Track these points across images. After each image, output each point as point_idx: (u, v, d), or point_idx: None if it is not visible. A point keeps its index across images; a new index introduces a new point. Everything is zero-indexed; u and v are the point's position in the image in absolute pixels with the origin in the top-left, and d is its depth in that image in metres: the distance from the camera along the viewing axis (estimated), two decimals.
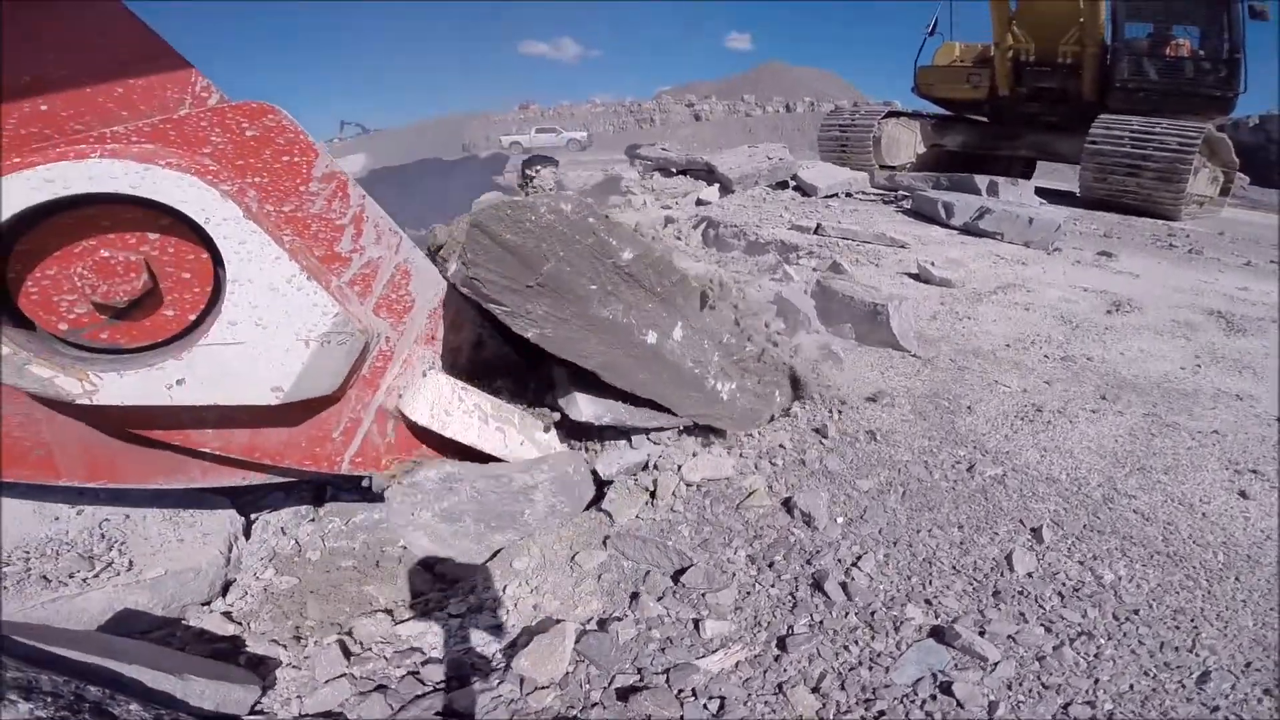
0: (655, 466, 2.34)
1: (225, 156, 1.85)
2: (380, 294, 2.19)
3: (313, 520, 2.88)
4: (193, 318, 1.91)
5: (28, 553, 2.31)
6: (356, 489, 2.82)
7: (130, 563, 2.37)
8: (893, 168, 12.06)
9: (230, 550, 2.59)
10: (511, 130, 40.10)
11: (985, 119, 13.21)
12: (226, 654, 2.09)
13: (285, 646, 2.18)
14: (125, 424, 2.07)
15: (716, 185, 10.22)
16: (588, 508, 2.28)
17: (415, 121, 50.99)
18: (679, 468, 2.29)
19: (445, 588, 2.11)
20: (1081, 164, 10.23)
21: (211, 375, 1.89)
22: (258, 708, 1.80)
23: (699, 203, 9.07)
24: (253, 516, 2.84)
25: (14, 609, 2.08)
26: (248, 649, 2.18)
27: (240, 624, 2.35)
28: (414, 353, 2.31)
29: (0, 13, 1.62)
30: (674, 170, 12.81)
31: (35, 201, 1.65)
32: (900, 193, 9.05)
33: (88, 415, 2.01)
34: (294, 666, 1.93)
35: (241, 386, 1.93)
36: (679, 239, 6.47)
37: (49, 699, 1.37)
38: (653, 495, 2.22)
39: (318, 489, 3.06)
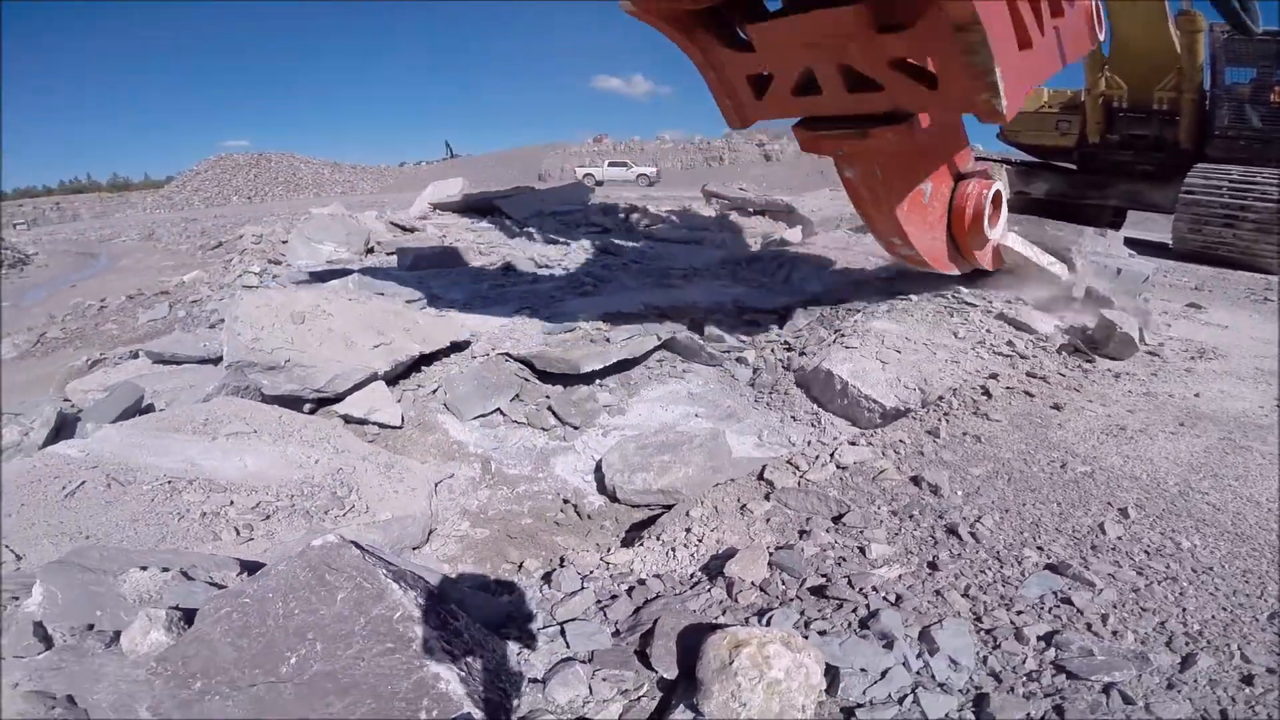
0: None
1: None
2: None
3: (487, 487, 3.61)
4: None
5: (291, 492, 3.06)
6: None
7: (367, 506, 3.09)
8: None
9: (431, 504, 3.31)
10: (585, 162, 42.01)
11: (1074, 166, 13.54)
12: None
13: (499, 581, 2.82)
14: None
15: (799, 226, 10.85)
16: None
17: (494, 150, 54.24)
18: (831, 454, 2.95)
19: (626, 535, 2.77)
20: (1175, 214, 10.49)
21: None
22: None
23: (783, 242, 9.68)
24: (437, 482, 3.57)
25: (289, 539, 2.74)
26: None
27: (449, 564, 3.04)
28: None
29: None
30: (751, 210, 13.55)
31: None
32: None
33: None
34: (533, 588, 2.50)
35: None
36: None
37: (420, 590, 1.91)
38: (803, 473, 2.86)
39: (483, 463, 3.79)
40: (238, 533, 2.70)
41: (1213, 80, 11.53)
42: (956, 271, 4.75)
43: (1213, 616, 2.12)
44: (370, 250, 9.35)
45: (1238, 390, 4.34)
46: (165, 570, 2.14)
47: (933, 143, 3.31)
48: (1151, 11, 10.67)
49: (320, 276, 7.55)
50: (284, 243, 9.89)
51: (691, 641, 1.81)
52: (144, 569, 2.12)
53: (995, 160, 13.74)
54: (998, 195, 3.96)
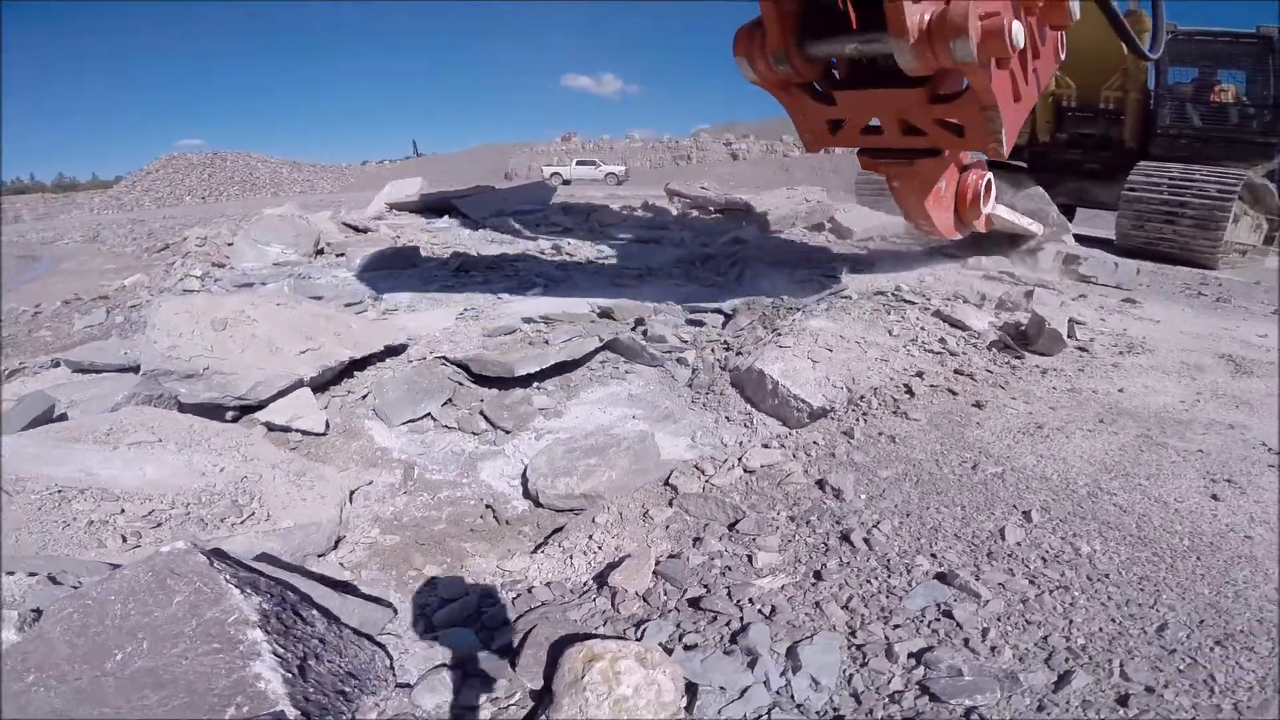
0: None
1: None
2: None
3: (405, 493, 3.51)
4: None
5: (187, 501, 2.96)
6: None
7: (268, 514, 3.00)
8: None
9: (341, 512, 3.22)
10: (553, 161, 41.79)
11: (1024, 165, 13.73)
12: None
13: (395, 589, 2.77)
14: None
15: (755, 225, 10.85)
16: None
17: (461, 148, 53.83)
18: (739, 458, 2.89)
19: (540, 541, 2.70)
20: (1119, 211, 10.69)
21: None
22: (388, 629, 2.37)
23: (737, 241, 9.69)
24: (353, 489, 3.46)
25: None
26: (361, 592, 2.76)
27: (351, 571, 2.96)
28: None
29: None
30: (712, 209, 13.53)
31: None
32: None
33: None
34: (405, 598, 2.50)
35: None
36: None
37: (268, 595, 1.94)
38: (709, 478, 2.81)
39: (406, 470, 3.69)
40: (124, 540, 2.59)
41: (1156, 80, 11.75)
42: (959, 236, 5.96)
43: (1100, 629, 2.09)
44: (320, 252, 9.14)
45: (1162, 385, 4.39)
46: (33, 575, 2.10)
47: (952, 160, 4.84)
48: (1099, 13, 10.84)
49: (264, 281, 7.36)
50: (229, 245, 9.62)
51: (561, 652, 1.75)
52: (11, 574, 2.08)
53: None
54: (989, 182, 5.30)
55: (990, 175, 5.46)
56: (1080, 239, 10.22)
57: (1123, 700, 1.79)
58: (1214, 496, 2.93)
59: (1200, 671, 1.91)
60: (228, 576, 1.85)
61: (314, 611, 2.01)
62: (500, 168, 43.12)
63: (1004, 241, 7.48)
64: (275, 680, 1.61)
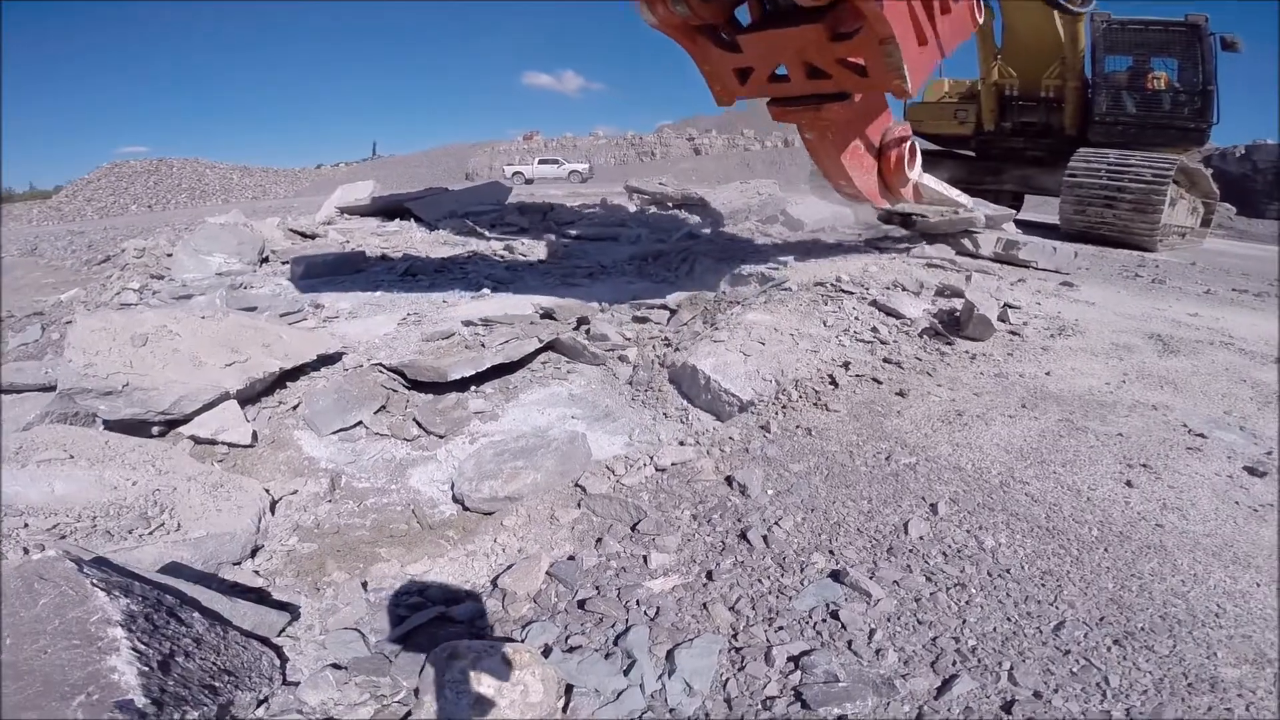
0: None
1: None
2: None
3: (330, 501, 3.44)
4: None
5: (94, 514, 2.89)
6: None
7: (179, 524, 2.94)
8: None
9: (260, 521, 3.16)
10: (515, 160, 41.28)
11: (973, 154, 13.94)
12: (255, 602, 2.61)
13: (306, 595, 2.71)
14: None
15: (710, 220, 10.87)
16: None
17: (420, 149, 52.99)
18: (651, 456, 2.86)
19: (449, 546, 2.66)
20: (1061, 197, 10.90)
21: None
22: (285, 632, 2.33)
23: (690, 236, 9.70)
24: (277, 498, 3.38)
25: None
26: (273, 598, 2.71)
27: (266, 579, 2.90)
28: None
29: None
30: (670, 205, 13.52)
31: None
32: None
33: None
34: (318, 603, 2.46)
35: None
36: None
37: (140, 598, 1.96)
38: (619, 478, 2.77)
39: (333, 478, 3.61)
40: (25, 552, 2.54)
41: (1093, 68, 12.01)
42: (887, 205, 6.08)
43: (994, 629, 2.03)
44: (265, 260, 8.92)
45: (1089, 367, 4.46)
46: None
47: (864, 111, 4.70)
48: (1038, 2, 11.04)
49: (204, 292, 7.16)
50: (169, 256, 9.33)
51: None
52: None
53: None
54: (913, 146, 5.21)
55: (915, 140, 5.49)
56: (1024, 225, 10.42)
57: (1007, 707, 1.74)
58: (1128, 483, 2.92)
59: (1094, 674, 1.86)
60: (95, 581, 1.95)
61: (195, 614, 2.10)
62: (461, 168, 42.64)
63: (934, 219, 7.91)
64: (130, 673, 1.71)
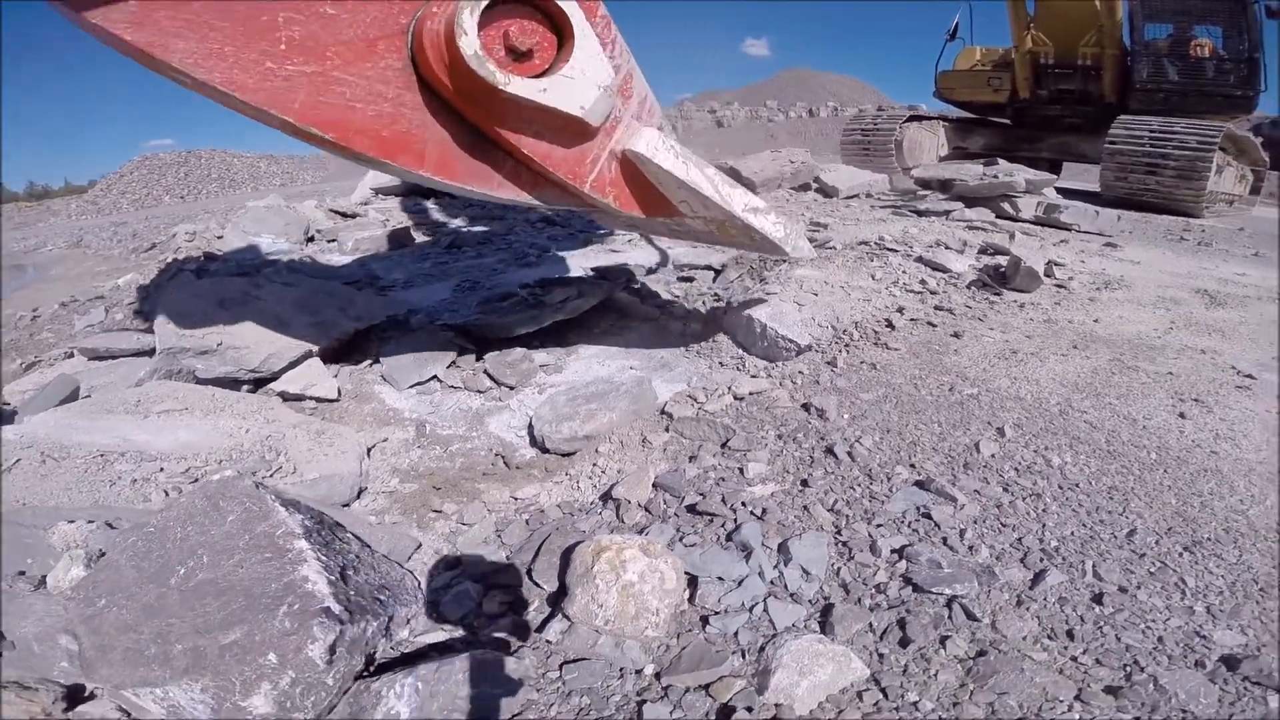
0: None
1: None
2: (619, 81, 3.26)
3: (419, 447, 3.72)
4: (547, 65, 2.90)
5: (220, 458, 3.17)
6: None
7: (295, 468, 3.21)
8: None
9: (361, 464, 3.43)
10: None
11: (1008, 121, 13.88)
12: None
13: (418, 529, 2.98)
14: (492, 116, 2.86)
15: (740, 188, 10.98)
16: None
17: None
18: (729, 386, 3.10)
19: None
20: (1102, 164, 10.89)
21: (557, 91, 2.93)
22: (416, 554, 2.58)
23: None
24: (370, 446, 3.67)
25: None
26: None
27: (376, 517, 3.17)
28: (631, 124, 3.46)
29: None
30: None
31: None
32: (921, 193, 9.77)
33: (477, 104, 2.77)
34: (428, 535, 2.71)
35: (569, 100, 2.96)
36: None
37: (308, 514, 2.15)
38: (701, 405, 3.02)
39: (418, 426, 3.89)
40: (166, 494, 2.80)
41: (1132, 36, 11.92)
42: (477, 190, 3.12)
43: (1072, 533, 2.21)
44: (311, 239, 9.26)
45: (1137, 315, 4.61)
46: (91, 522, 2.28)
47: None
48: None
49: (257, 268, 7.51)
50: (219, 238, 9.73)
51: (572, 553, 1.96)
52: (71, 522, 2.26)
53: (933, 118, 14.06)
54: (511, 29, 2.69)
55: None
56: (1064, 192, 10.45)
57: (1098, 599, 1.91)
58: (1181, 415, 3.09)
59: (1170, 575, 2.02)
60: (272, 498, 2.07)
61: (349, 534, 2.22)
62: None
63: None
64: (321, 582, 1.82)
